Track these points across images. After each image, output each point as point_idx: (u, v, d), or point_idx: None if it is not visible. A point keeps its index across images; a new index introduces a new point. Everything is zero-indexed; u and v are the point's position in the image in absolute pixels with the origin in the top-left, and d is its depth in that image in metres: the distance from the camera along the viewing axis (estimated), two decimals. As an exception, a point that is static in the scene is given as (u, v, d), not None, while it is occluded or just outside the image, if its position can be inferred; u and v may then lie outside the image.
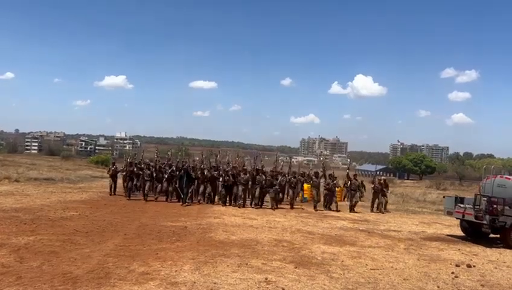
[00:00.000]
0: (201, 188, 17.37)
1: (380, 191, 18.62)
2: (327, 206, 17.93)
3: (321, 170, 19.32)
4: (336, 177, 18.46)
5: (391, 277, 7.52)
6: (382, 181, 19.43)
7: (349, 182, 18.21)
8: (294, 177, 18.33)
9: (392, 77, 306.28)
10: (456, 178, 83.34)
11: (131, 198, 17.52)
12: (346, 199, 19.40)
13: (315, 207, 17.55)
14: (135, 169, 18.30)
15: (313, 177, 18.72)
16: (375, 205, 18.67)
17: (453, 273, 8.03)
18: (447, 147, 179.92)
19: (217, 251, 8.68)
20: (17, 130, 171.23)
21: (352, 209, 17.84)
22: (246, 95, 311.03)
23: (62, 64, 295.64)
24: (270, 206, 17.02)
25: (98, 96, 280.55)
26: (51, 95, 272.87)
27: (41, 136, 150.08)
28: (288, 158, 17.97)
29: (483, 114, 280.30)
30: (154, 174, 17.81)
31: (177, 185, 17.19)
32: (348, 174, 18.61)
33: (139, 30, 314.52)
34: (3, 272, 6.44)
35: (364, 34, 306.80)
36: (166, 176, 17.71)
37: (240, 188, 16.90)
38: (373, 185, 19.10)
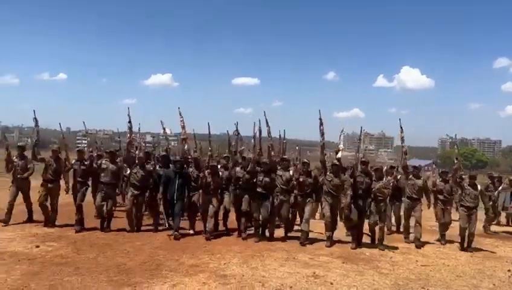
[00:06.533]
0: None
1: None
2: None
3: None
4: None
5: (443, 273, 7.31)
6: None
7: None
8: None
9: (440, 68, 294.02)
10: (510, 172, 79.49)
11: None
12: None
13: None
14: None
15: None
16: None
17: (509, 270, 7.70)
18: (500, 141, 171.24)
19: (264, 245, 8.74)
20: (68, 129, 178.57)
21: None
22: (288, 91, 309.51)
23: (110, 65, 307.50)
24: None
25: (144, 95, 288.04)
26: (100, 94, 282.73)
27: (90, 134, 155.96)
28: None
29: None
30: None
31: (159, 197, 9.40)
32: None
33: (183, 29, 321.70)
34: (62, 262, 6.82)
35: (411, 24, 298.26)
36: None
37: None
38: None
